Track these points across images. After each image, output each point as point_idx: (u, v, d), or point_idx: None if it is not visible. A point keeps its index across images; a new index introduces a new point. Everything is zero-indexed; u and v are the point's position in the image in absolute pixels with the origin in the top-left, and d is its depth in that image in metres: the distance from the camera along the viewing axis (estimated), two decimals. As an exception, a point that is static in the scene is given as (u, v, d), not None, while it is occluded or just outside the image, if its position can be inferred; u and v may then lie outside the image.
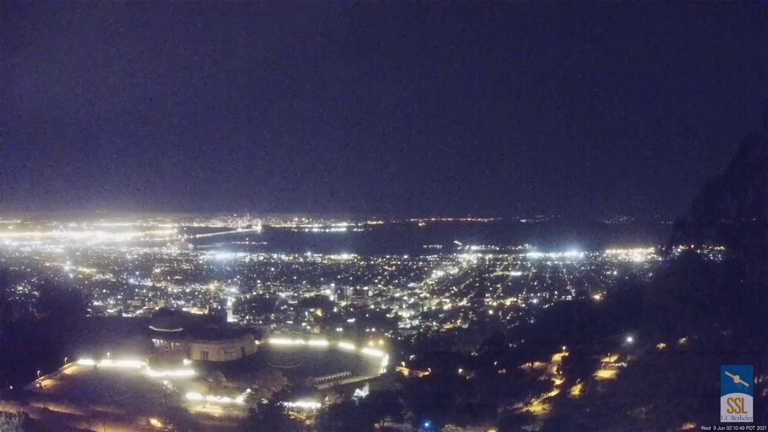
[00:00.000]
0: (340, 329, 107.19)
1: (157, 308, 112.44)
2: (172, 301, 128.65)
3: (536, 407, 57.19)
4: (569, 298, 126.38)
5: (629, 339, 60.41)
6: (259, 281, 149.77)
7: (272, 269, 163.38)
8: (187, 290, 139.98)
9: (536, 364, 70.50)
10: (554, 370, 68.03)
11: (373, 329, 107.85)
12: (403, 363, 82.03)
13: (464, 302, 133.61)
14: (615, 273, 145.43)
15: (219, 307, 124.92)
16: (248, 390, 69.11)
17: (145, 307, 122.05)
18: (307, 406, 62.44)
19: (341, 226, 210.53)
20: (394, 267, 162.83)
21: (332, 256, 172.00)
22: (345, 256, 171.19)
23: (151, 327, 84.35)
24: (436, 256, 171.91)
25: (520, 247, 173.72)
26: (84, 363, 68.69)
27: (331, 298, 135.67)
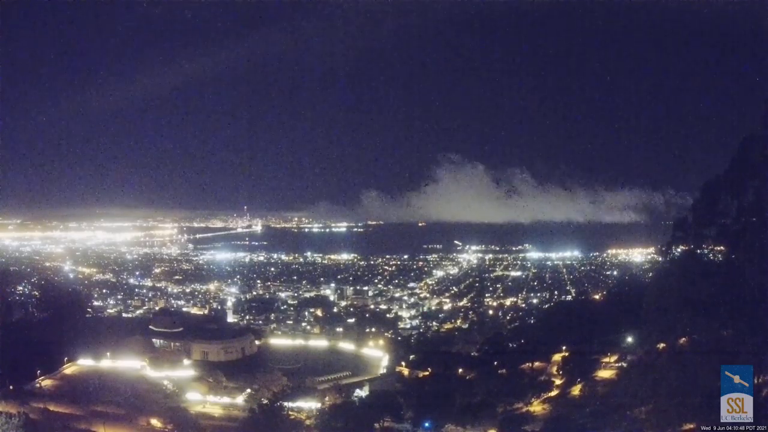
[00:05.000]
0: (340, 329, 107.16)
1: (157, 308, 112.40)
2: (172, 301, 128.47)
3: (536, 407, 57.21)
4: (569, 298, 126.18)
5: (629, 339, 60.43)
6: (259, 281, 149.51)
7: (272, 269, 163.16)
8: (187, 290, 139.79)
9: (536, 364, 70.49)
10: (554, 370, 68.01)
11: (373, 329, 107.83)
12: (403, 363, 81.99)
13: (464, 302, 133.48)
14: (615, 273, 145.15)
15: (219, 307, 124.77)
16: (248, 390, 69.13)
17: (145, 307, 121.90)
18: (307, 406, 62.49)
19: (341, 226, 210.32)
20: (394, 267, 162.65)
21: (332, 256, 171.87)
22: (345, 256, 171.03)
23: (151, 327, 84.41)
24: (436, 256, 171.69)
25: (520, 247, 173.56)
26: (84, 363, 68.69)
27: (331, 298, 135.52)
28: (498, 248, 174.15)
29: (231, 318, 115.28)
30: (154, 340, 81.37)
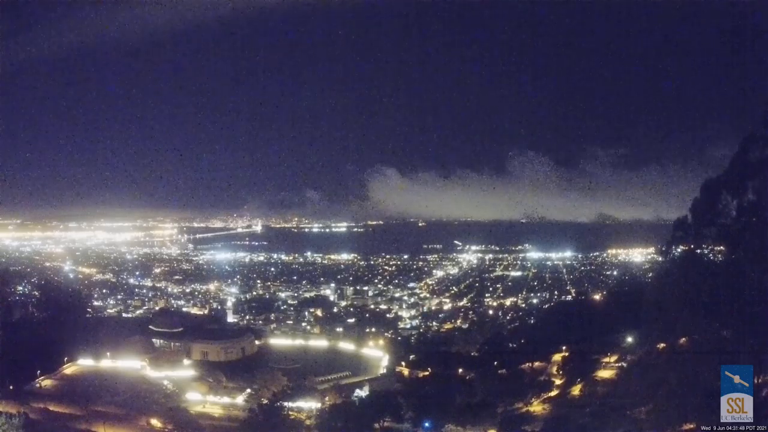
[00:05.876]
0: (340, 329, 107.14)
1: (157, 308, 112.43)
2: (172, 301, 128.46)
3: (536, 407, 57.18)
4: (569, 298, 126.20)
5: (629, 339, 60.51)
6: (259, 281, 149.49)
7: (272, 269, 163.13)
8: (187, 290, 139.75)
9: (536, 364, 70.50)
10: (554, 370, 68.02)
11: (373, 329, 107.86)
12: (403, 363, 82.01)
13: (464, 302, 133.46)
14: (615, 273, 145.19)
15: (219, 307, 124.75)
16: (248, 390, 69.23)
17: (145, 307, 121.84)
18: (307, 406, 62.50)
19: (341, 226, 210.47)
20: (393, 267, 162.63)
21: (332, 256, 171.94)
22: (345, 256, 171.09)
23: (151, 327, 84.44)
24: (436, 256, 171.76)
25: (519, 247, 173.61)
26: (84, 363, 68.71)
27: (331, 298, 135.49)
28: (498, 248, 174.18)
29: (231, 318, 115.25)
30: (154, 340, 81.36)
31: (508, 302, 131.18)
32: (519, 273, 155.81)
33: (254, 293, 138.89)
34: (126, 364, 69.85)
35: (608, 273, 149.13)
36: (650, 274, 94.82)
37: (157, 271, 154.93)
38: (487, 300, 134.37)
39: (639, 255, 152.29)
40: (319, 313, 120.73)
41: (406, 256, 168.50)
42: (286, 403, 58.82)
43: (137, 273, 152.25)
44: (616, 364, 61.05)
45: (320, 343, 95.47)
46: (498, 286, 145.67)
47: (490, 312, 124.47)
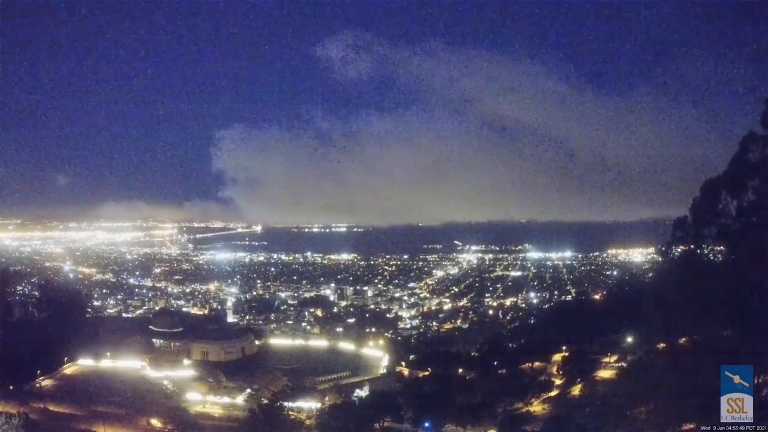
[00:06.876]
0: (340, 329, 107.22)
1: (157, 308, 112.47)
2: (172, 301, 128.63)
3: (536, 407, 57.08)
4: (569, 298, 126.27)
5: (629, 339, 60.46)
6: (259, 281, 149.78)
7: (272, 269, 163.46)
8: (187, 290, 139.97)
9: (536, 364, 70.40)
10: (554, 370, 67.91)
11: (373, 329, 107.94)
12: (403, 363, 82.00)
13: (464, 302, 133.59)
14: (615, 273, 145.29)
15: (219, 307, 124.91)
16: (248, 390, 69.18)
17: (145, 307, 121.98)
18: (307, 406, 62.51)
19: (341, 227, 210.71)
20: (394, 267, 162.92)
21: (332, 256, 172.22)
22: (345, 256, 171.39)
23: (151, 327, 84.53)
24: (436, 256, 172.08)
25: (519, 247, 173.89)
26: (84, 363, 68.71)
27: (331, 298, 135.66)
28: (498, 248, 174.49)
29: (231, 318, 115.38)
30: (154, 340, 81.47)
31: (508, 302, 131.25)
32: (519, 273, 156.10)
33: (254, 293, 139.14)
34: (126, 364, 69.85)
35: (608, 273, 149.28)
36: (650, 274, 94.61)
37: (157, 271, 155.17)
38: (487, 300, 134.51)
39: (639, 255, 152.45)
40: (319, 313, 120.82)
41: (406, 256, 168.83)
42: (286, 403, 58.73)
43: (137, 273, 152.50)
44: (616, 364, 60.89)
45: (320, 343, 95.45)
46: (498, 286, 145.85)
47: (490, 312, 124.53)
